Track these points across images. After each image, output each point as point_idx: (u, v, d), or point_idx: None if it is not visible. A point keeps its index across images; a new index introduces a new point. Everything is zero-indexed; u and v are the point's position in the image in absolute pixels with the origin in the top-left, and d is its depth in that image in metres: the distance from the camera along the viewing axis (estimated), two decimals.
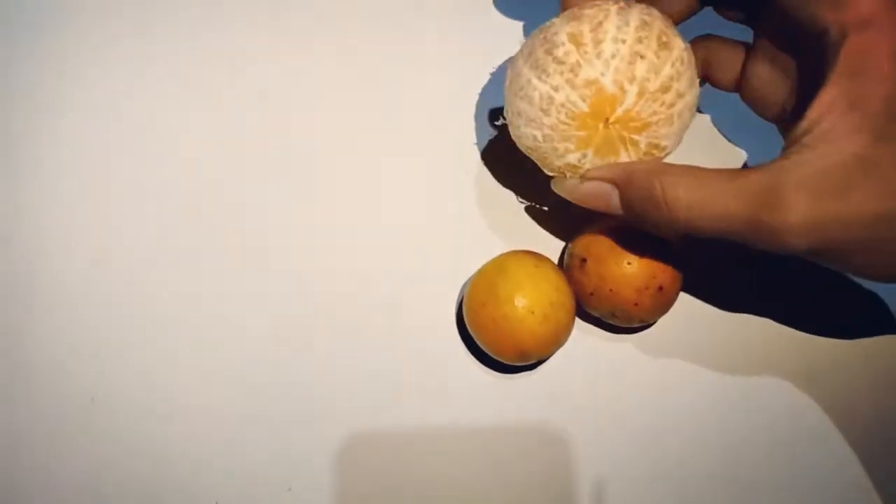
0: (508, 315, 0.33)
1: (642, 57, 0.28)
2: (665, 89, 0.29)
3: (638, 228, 0.32)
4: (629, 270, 0.33)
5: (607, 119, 0.29)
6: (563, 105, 0.29)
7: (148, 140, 0.40)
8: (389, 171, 0.39)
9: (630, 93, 0.29)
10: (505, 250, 0.36)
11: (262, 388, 0.36)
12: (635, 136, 0.29)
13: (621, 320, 0.35)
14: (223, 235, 0.38)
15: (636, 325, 0.36)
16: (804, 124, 0.26)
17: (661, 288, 0.33)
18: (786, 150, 0.26)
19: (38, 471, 0.35)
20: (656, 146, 0.30)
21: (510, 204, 0.39)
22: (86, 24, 0.41)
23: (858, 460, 0.35)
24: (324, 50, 0.41)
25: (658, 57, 0.28)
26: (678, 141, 0.31)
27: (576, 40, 0.29)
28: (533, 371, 0.37)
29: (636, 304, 0.33)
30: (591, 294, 0.34)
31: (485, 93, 0.39)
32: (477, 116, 0.39)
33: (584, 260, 0.34)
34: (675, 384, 0.36)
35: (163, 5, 0.42)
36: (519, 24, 0.40)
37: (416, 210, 0.39)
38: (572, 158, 0.30)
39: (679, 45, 0.29)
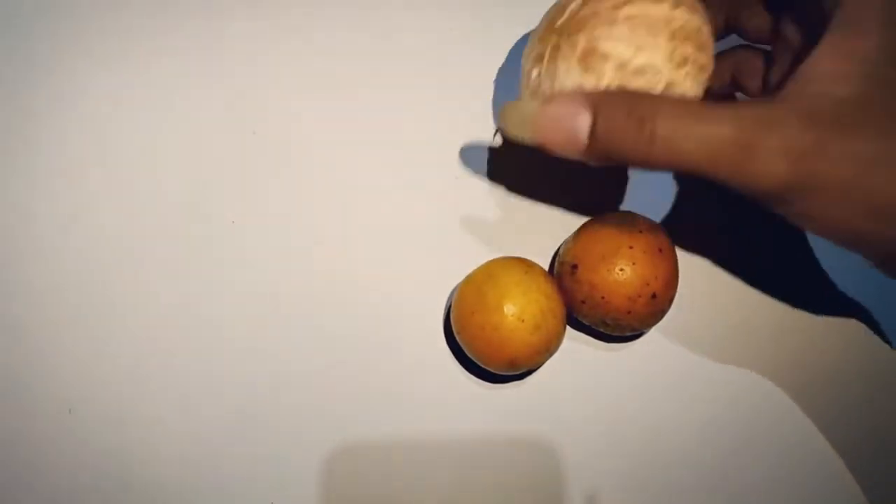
0: (497, 323, 0.32)
1: None
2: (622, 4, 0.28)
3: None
4: (622, 278, 0.33)
5: (554, 27, 0.29)
6: (544, 16, 0.30)
7: (129, 146, 0.39)
8: (376, 176, 0.39)
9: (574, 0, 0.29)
10: (494, 257, 0.35)
11: (245, 398, 0.36)
12: (574, 35, 0.28)
13: (613, 329, 0.35)
14: (206, 244, 0.38)
15: (628, 334, 0.35)
16: (803, 68, 0.26)
17: (654, 295, 0.33)
18: (778, 92, 0.26)
19: (13, 484, 0.35)
20: (594, 50, 0.27)
21: (499, 209, 0.38)
22: (81, 22, 0.41)
23: (852, 471, 0.35)
24: (312, 54, 0.40)
25: None
26: (658, 71, 0.28)
27: None
28: (522, 381, 0.36)
29: (629, 312, 0.33)
30: (583, 302, 0.34)
31: (474, 98, 0.39)
32: (465, 121, 0.39)
33: (574, 266, 0.34)
34: (668, 394, 0.36)
35: (155, 3, 0.41)
36: (509, 34, 0.40)
37: (403, 215, 0.38)
38: (535, 75, 0.29)
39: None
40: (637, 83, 0.27)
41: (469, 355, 0.35)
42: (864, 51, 0.25)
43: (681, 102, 0.26)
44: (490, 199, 0.38)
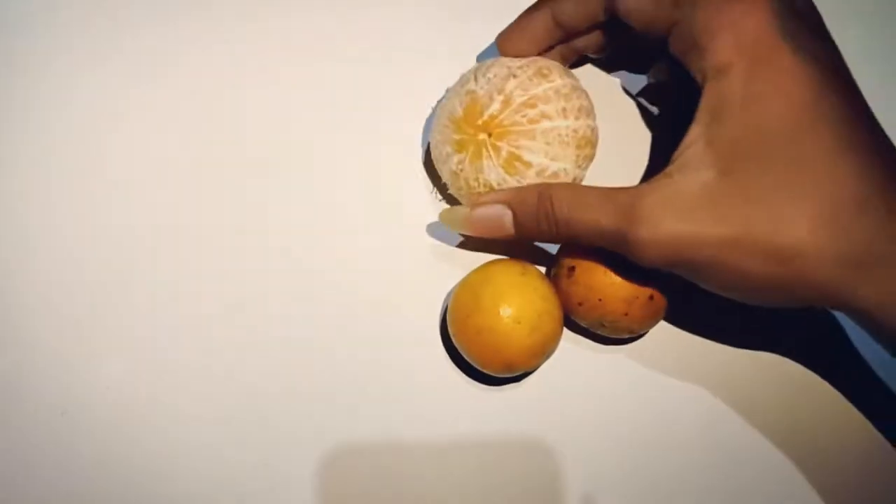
0: (494, 325, 0.32)
1: (515, 76, 0.33)
2: (530, 105, 0.33)
3: None
4: (619, 279, 0.33)
5: (475, 124, 0.33)
6: (447, 109, 0.34)
7: (115, 149, 0.39)
8: (371, 177, 0.39)
9: (496, 101, 0.33)
10: (490, 259, 0.35)
11: (239, 401, 0.36)
12: (498, 143, 0.33)
13: (610, 331, 0.34)
14: (200, 247, 0.38)
15: (626, 336, 0.35)
16: (673, 156, 0.30)
17: (651, 297, 0.33)
18: (651, 179, 0.30)
19: (5, 488, 0.35)
20: (518, 157, 0.33)
21: None
22: (61, 27, 0.41)
23: (853, 471, 0.35)
24: (300, 56, 0.40)
25: (531, 80, 0.33)
26: (566, 174, 0.34)
27: (477, 71, 0.34)
28: (519, 383, 0.36)
29: (626, 314, 0.33)
30: (580, 304, 0.34)
31: None
32: None
33: (572, 269, 0.34)
34: (666, 397, 0.36)
35: (143, 4, 0.41)
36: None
37: (399, 217, 0.38)
38: (453, 163, 0.34)
39: (559, 81, 0.33)
40: (550, 181, 0.33)
41: (465, 358, 0.34)
42: (722, 143, 0.29)
43: (575, 193, 0.31)
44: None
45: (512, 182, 0.33)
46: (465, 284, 0.34)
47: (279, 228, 0.38)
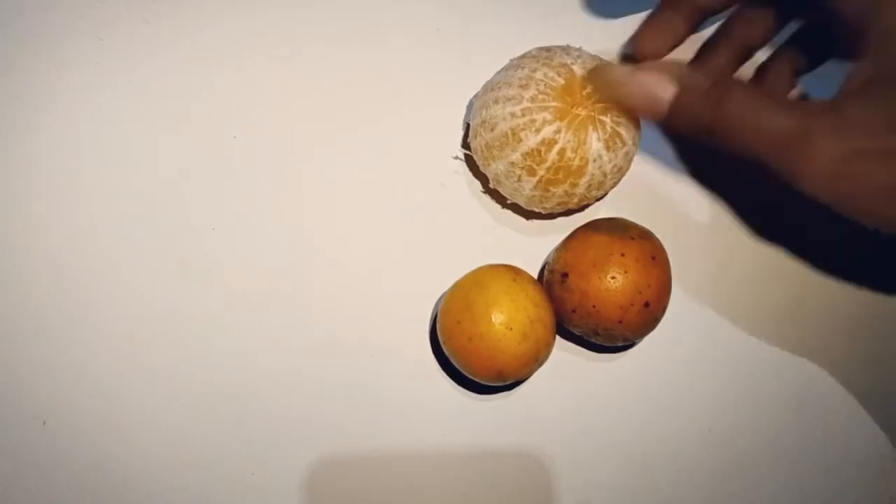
0: (485, 333, 0.32)
1: (602, 60, 0.34)
2: None
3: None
4: (613, 286, 0.32)
5: (579, 96, 0.33)
6: (541, 80, 0.33)
7: (106, 150, 0.39)
8: (361, 183, 0.39)
9: None
10: (481, 264, 0.35)
11: (226, 409, 0.36)
12: (602, 117, 0.33)
13: (605, 338, 0.34)
14: (186, 252, 0.37)
15: (620, 344, 0.35)
16: (843, 87, 0.29)
17: (647, 304, 0.33)
18: (826, 100, 0.29)
19: None
20: (618, 134, 0.33)
21: (487, 216, 0.38)
22: (54, 24, 0.40)
23: (847, 481, 0.36)
24: (295, 59, 0.40)
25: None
26: (630, 159, 0.35)
27: (553, 50, 0.35)
28: (510, 392, 0.36)
29: (620, 322, 0.33)
30: (573, 311, 0.33)
31: (461, 104, 0.39)
32: (453, 128, 0.39)
33: (565, 275, 0.33)
34: (661, 406, 0.36)
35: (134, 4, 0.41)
36: (502, 42, 0.40)
37: (389, 223, 0.38)
38: (549, 131, 0.33)
39: None
40: (625, 167, 0.35)
41: (456, 366, 0.34)
42: (892, 69, 0.28)
43: (753, 90, 0.30)
44: (477, 205, 0.38)
45: (608, 157, 0.33)
46: (455, 290, 0.34)
47: (268, 236, 0.38)
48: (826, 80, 0.32)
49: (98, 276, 0.37)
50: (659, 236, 0.34)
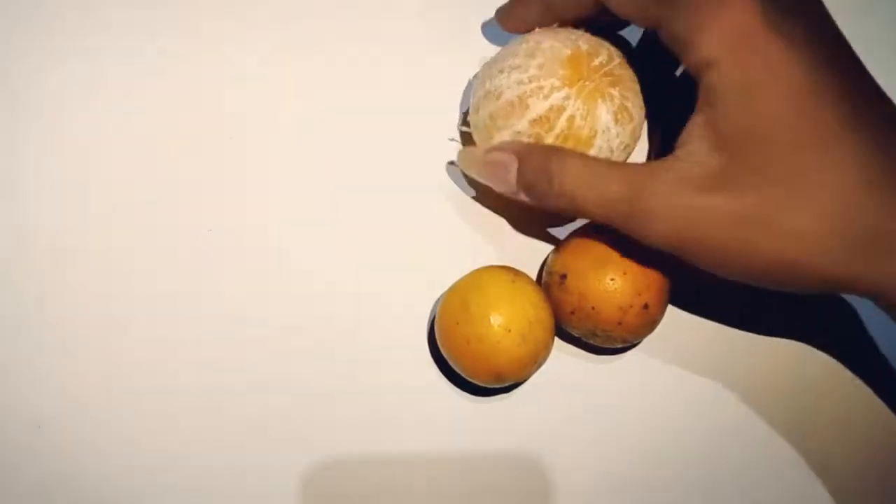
0: (483, 334, 0.32)
1: (601, 42, 0.34)
2: (625, 67, 0.34)
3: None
4: (612, 287, 0.32)
5: (586, 67, 0.33)
6: (549, 48, 0.33)
7: (98, 150, 0.38)
8: (357, 184, 0.38)
9: (602, 54, 0.33)
10: (479, 266, 0.35)
11: (220, 414, 0.35)
12: (611, 90, 0.33)
13: (604, 340, 0.34)
14: (180, 254, 0.37)
15: (619, 346, 0.35)
16: (678, 143, 0.30)
17: (646, 306, 0.33)
18: (658, 160, 0.31)
19: None
20: (626, 109, 0.33)
21: (485, 217, 0.38)
22: (47, 21, 0.40)
23: (854, 484, 0.35)
24: (290, 56, 0.40)
25: (613, 48, 0.34)
26: (636, 137, 0.35)
27: (554, 29, 0.35)
28: (509, 394, 0.36)
29: (620, 324, 0.33)
30: (572, 312, 0.33)
31: (459, 102, 0.39)
32: (450, 126, 0.39)
33: (563, 276, 0.33)
34: (661, 408, 0.36)
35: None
36: (491, 43, 0.40)
37: (386, 224, 0.38)
38: (558, 97, 0.32)
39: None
40: (631, 145, 0.34)
41: (454, 368, 0.34)
42: (724, 129, 0.29)
43: (584, 159, 0.31)
44: (475, 206, 0.38)
45: (616, 131, 0.33)
46: (453, 291, 0.34)
47: (263, 237, 0.38)
48: None
49: (92, 278, 0.37)
50: None
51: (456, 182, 0.38)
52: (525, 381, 0.35)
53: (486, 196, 0.38)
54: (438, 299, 0.36)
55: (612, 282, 0.32)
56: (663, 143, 0.38)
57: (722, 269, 0.30)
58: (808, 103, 0.28)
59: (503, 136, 0.34)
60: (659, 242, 0.30)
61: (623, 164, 0.31)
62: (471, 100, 0.36)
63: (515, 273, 0.34)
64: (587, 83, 0.32)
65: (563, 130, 0.32)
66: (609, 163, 0.31)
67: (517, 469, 0.35)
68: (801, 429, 0.36)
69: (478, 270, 0.34)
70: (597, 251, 0.33)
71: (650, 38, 0.36)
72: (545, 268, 0.35)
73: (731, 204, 0.29)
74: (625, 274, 0.32)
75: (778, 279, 0.30)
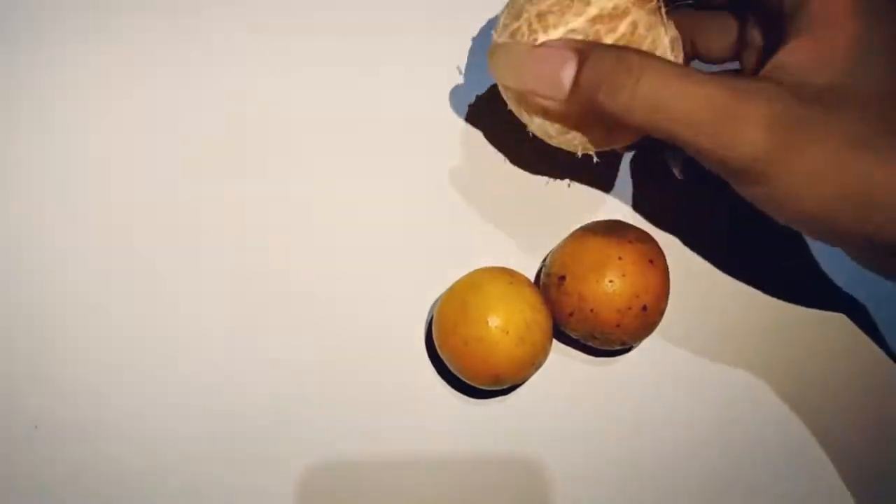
0: (481, 336, 0.32)
1: None
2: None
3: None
4: (611, 289, 0.32)
5: None
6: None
7: (105, 143, 0.38)
8: (356, 185, 0.38)
9: None
10: (477, 267, 0.35)
11: (219, 413, 0.35)
12: (668, 20, 0.29)
13: (602, 342, 0.34)
14: (179, 253, 0.37)
15: (618, 348, 0.35)
16: (775, 61, 0.27)
17: (645, 308, 0.33)
18: (775, 79, 0.27)
19: None
20: (676, 41, 0.30)
21: (482, 219, 0.38)
22: (61, 15, 0.40)
23: (849, 482, 0.35)
24: (298, 58, 0.40)
25: None
26: None
27: None
28: (507, 396, 0.36)
29: (618, 326, 0.33)
30: (570, 314, 0.33)
31: (456, 104, 0.39)
32: (447, 127, 0.39)
33: (562, 278, 0.33)
34: (659, 410, 0.36)
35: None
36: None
37: (384, 225, 0.38)
38: (625, 24, 0.29)
39: None
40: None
41: (452, 370, 0.34)
42: (837, 43, 0.26)
43: (667, 62, 0.27)
44: (473, 208, 0.38)
45: (672, 58, 0.29)
46: (451, 293, 0.34)
47: (262, 238, 0.38)
48: None
49: (90, 279, 0.37)
50: (657, 239, 0.34)
51: (454, 185, 0.38)
52: (523, 382, 0.35)
53: (472, 206, 0.37)
54: (436, 301, 0.36)
55: (611, 284, 0.32)
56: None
57: (810, 210, 0.26)
58: None
59: (554, 37, 0.29)
60: (748, 163, 0.26)
61: (713, 75, 0.26)
62: (504, 12, 0.31)
63: (513, 274, 0.34)
64: (650, 4, 0.29)
65: (624, 35, 0.29)
66: (693, 72, 0.26)
67: (515, 471, 0.35)
68: (800, 432, 0.36)
69: (476, 272, 0.34)
70: (596, 253, 0.33)
71: None
72: (543, 269, 0.35)
73: (850, 125, 0.25)
74: (623, 276, 0.32)
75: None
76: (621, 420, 0.36)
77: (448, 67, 0.38)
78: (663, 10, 0.29)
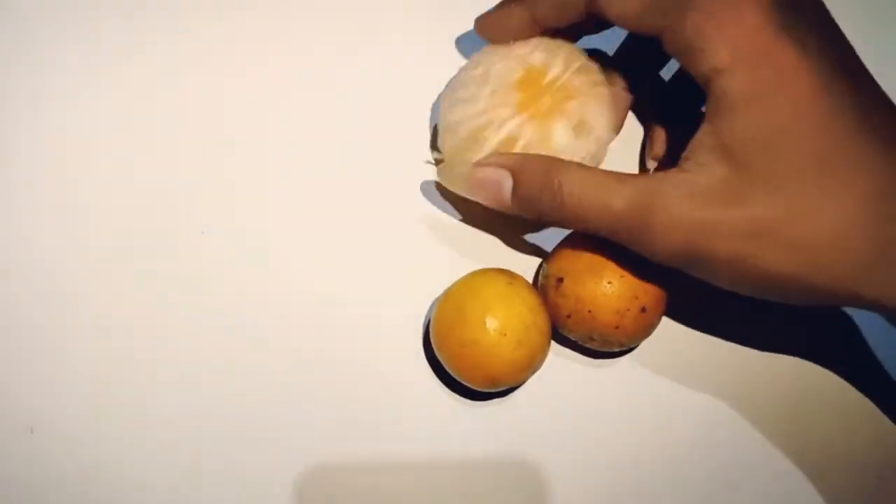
0: (478, 338, 0.32)
1: (559, 47, 0.34)
2: (586, 71, 0.33)
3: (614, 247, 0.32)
4: (609, 290, 0.32)
5: (539, 86, 0.33)
6: (499, 75, 0.33)
7: (91, 150, 0.38)
8: (351, 186, 0.38)
9: (556, 65, 0.33)
10: (474, 269, 0.35)
11: (214, 417, 0.35)
12: (567, 105, 0.32)
13: (600, 344, 0.34)
14: (173, 256, 0.37)
15: (616, 350, 0.35)
16: (685, 154, 0.30)
17: (643, 309, 0.32)
18: (663, 172, 0.30)
19: None
20: (584, 122, 0.33)
21: (480, 220, 0.38)
22: (41, 20, 0.40)
23: (849, 490, 0.35)
24: (282, 61, 0.40)
25: (572, 53, 0.34)
26: (602, 143, 0.34)
27: (509, 45, 0.34)
28: (505, 398, 0.36)
29: (617, 327, 0.32)
30: (569, 316, 0.33)
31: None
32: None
33: (560, 279, 0.33)
34: (658, 413, 0.36)
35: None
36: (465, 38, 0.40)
37: (381, 227, 0.38)
38: (510, 126, 0.32)
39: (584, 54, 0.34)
40: (599, 154, 0.34)
41: (449, 372, 0.34)
42: (730, 139, 0.28)
43: (587, 171, 0.31)
44: (470, 209, 0.38)
45: (576, 146, 0.32)
46: (448, 295, 0.34)
47: (256, 240, 0.37)
48: None
49: (84, 282, 0.37)
50: None
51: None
52: (521, 385, 0.35)
53: (470, 210, 0.38)
54: (434, 303, 0.36)
55: (610, 285, 0.32)
56: (656, 146, 0.38)
57: (729, 283, 0.30)
58: (819, 113, 0.28)
59: (467, 169, 0.33)
60: (666, 257, 0.30)
61: (628, 176, 0.30)
62: (437, 125, 0.35)
63: (511, 276, 0.34)
64: (541, 103, 0.32)
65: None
66: (613, 174, 0.30)
67: (513, 475, 0.35)
68: (797, 437, 0.36)
69: (473, 274, 0.34)
70: (594, 254, 0.33)
71: (636, 43, 0.36)
72: (541, 271, 0.35)
73: (739, 216, 0.28)
74: (622, 277, 0.32)
75: (785, 293, 0.30)
76: (620, 423, 0.36)
77: (445, 67, 0.38)
78: (559, 99, 0.33)
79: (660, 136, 0.38)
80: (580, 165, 0.31)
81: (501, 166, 0.32)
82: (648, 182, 0.30)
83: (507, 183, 0.32)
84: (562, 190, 0.30)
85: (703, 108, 0.29)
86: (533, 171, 0.31)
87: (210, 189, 0.38)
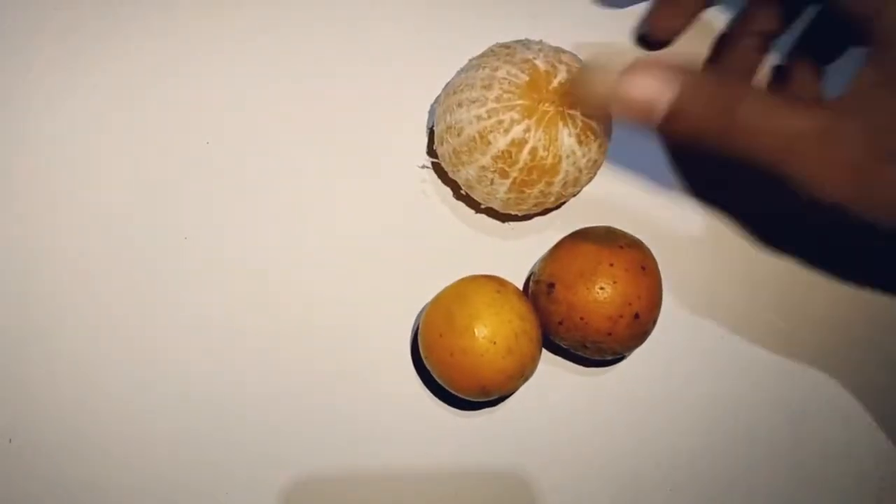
0: (468, 347, 0.32)
1: (563, 52, 0.34)
2: None
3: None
4: (602, 297, 0.32)
5: (545, 91, 0.33)
6: (504, 78, 0.33)
7: (74, 156, 0.38)
8: (339, 192, 0.38)
9: (561, 70, 0.33)
10: (464, 275, 0.35)
11: (200, 427, 0.35)
12: (571, 111, 0.33)
13: (593, 352, 0.34)
14: (156, 262, 0.37)
15: (609, 357, 0.35)
16: (852, 89, 0.28)
17: (636, 316, 0.32)
18: (835, 101, 0.29)
19: None
20: (590, 127, 0.33)
21: (469, 225, 0.38)
22: (24, 23, 0.40)
23: (847, 495, 0.35)
24: (269, 63, 0.40)
25: (573, 60, 0.34)
26: (604, 150, 0.34)
27: (513, 46, 0.34)
28: (495, 408, 0.36)
29: (609, 334, 0.32)
30: (560, 323, 0.33)
31: (426, 110, 0.39)
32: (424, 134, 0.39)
33: (551, 285, 0.33)
34: (651, 422, 0.36)
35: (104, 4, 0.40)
36: (459, 41, 0.39)
37: (368, 233, 0.38)
38: (518, 130, 0.32)
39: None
40: (600, 159, 0.34)
41: (438, 381, 0.34)
42: None
43: (764, 92, 0.29)
44: (460, 214, 0.38)
45: (581, 152, 0.33)
46: (437, 302, 0.34)
47: (241, 246, 0.37)
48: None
49: (67, 289, 0.36)
50: (649, 245, 0.34)
51: (439, 191, 0.38)
52: (511, 394, 0.35)
53: (458, 214, 0.37)
54: (422, 310, 0.36)
55: (602, 291, 0.32)
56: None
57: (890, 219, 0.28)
58: None
59: (468, 171, 0.34)
60: (835, 187, 0.28)
61: (805, 102, 0.29)
62: (434, 128, 0.35)
63: (501, 283, 0.33)
64: (547, 109, 0.32)
65: (526, 163, 0.33)
66: (789, 99, 0.29)
67: (504, 485, 0.35)
68: (793, 448, 0.36)
69: (462, 280, 0.34)
70: (586, 259, 0.32)
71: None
72: (532, 277, 0.35)
73: None
74: (615, 283, 0.32)
75: None
76: (613, 432, 0.36)
77: (435, 76, 0.38)
78: (565, 110, 0.32)
79: (806, 70, 0.35)
80: (757, 88, 0.30)
81: (662, 74, 0.29)
82: (828, 110, 0.28)
83: (668, 94, 0.29)
84: (734, 109, 0.28)
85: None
86: (701, 85, 0.29)
87: (195, 195, 0.38)
